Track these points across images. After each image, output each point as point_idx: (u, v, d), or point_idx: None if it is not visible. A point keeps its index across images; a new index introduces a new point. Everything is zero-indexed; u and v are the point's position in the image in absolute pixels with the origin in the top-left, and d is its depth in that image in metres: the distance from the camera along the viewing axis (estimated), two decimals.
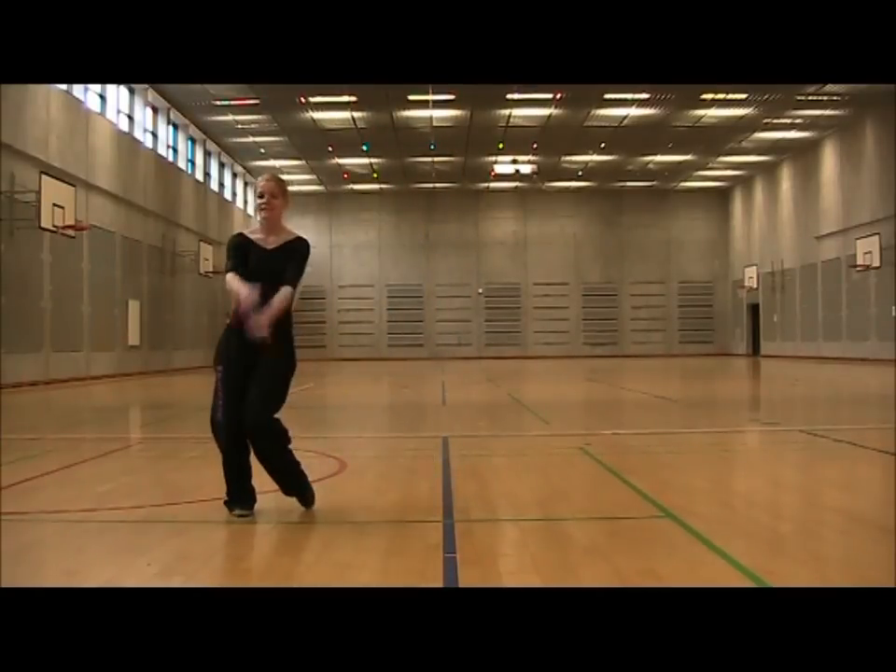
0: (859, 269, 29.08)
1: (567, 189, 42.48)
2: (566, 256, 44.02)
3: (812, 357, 33.03)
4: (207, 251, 30.91)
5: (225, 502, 4.70)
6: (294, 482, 4.77)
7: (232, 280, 4.58)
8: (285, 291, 4.55)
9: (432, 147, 33.55)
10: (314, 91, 26.60)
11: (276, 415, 4.63)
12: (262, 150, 34.53)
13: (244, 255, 4.71)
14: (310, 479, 5.51)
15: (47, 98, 20.19)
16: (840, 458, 7.05)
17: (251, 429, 4.55)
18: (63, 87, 21.11)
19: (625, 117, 29.96)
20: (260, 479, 4.71)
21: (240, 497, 4.68)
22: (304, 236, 4.91)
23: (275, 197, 4.74)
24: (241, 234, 4.84)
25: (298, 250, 4.76)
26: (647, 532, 4.21)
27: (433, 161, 36.74)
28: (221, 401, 4.64)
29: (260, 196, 4.74)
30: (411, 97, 27.31)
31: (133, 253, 25.61)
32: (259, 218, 4.82)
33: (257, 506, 4.69)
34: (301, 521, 4.69)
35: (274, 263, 4.64)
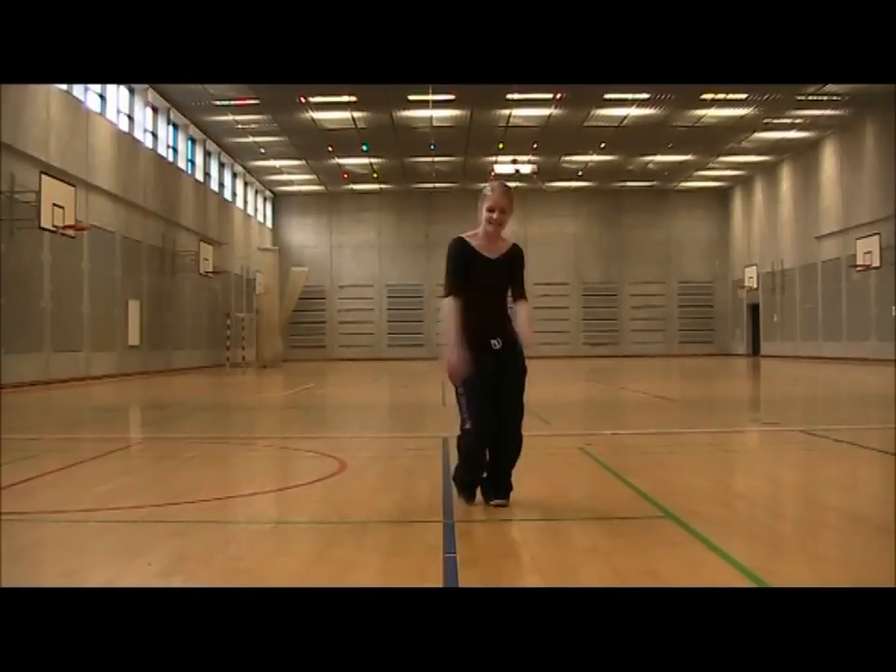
0: (859, 269, 29.07)
1: (567, 188, 42.46)
2: (566, 256, 44.01)
3: (812, 357, 33.02)
4: (207, 251, 30.89)
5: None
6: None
7: (450, 317, 4.73)
8: (527, 308, 4.87)
9: (432, 147, 33.55)
10: (314, 90, 26.59)
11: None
12: (262, 150, 34.53)
13: (465, 269, 4.77)
14: (310, 479, 5.53)
15: (47, 98, 20.19)
16: (840, 458, 7.05)
17: (518, 431, 4.82)
18: (63, 87, 21.11)
19: (625, 117, 29.95)
20: (259, 480, 4.69)
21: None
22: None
23: (505, 212, 4.77)
24: (463, 242, 4.83)
25: (519, 258, 4.89)
26: (647, 532, 4.21)
27: (433, 161, 36.73)
28: (471, 414, 4.74)
29: (490, 210, 4.74)
30: (411, 97, 27.30)
31: (133, 253, 25.60)
32: (483, 229, 4.79)
33: (252, 511, 4.65)
34: (300, 521, 4.69)
35: (500, 273, 4.79)
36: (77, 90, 22.07)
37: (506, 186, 4.89)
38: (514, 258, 4.87)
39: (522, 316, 4.86)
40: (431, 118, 29.92)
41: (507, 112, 29.45)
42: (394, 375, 25.23)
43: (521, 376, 4.86)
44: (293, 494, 5.58)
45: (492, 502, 4.81)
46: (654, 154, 35.79)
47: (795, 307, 35.74)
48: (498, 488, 4.86)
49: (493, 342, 4.76)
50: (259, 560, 3.83)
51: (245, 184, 39.28)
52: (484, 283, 4.76)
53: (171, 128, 29.33)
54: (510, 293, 4.92)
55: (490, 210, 4.74)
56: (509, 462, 4.88)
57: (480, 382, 4.72)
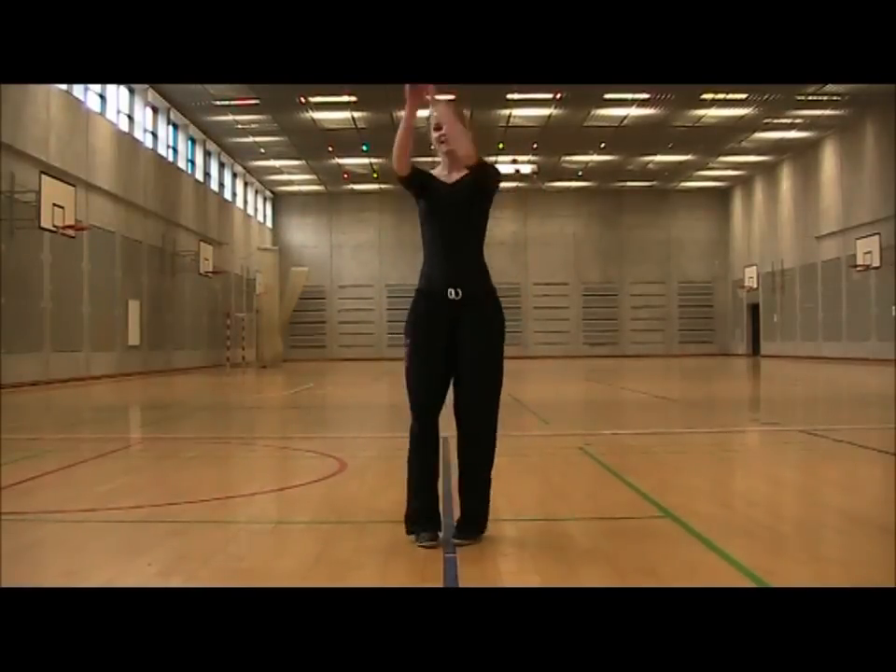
0: (859, 269, 29.06)
1: (567, 188, 42.47)
2: (566, 256, 44.02)
3: (812, 357, 33.02)
4: (207, 251, 30.88)
5: (408, 527, 3.96)
6: (484, 507, 4.01)
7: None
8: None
9: (432, 147, 33.53)
10: (314, 91, 26.59)
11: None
12: (262, 150, 34.52)
13: (419, 181, 4.10)
14: (310, 479, 5.47)
15: (47, 98, 20.19)
16: (840, 458, 7.05)
17: (483, 419, 3.93)
18: (63, 87, 21.11)
19: (625, 117, 29.95)
20: (259, 480, 4.68)
21: (426, 517, 3.92)
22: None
23: (453, 124, 4.05)
24: (423, 171, 4.20)
25: (487, 173, 4.05)
26: (647, 532, 4.21)
27: (433, 161, 36.71)
28: (409, 384, 3.94)
29: (436, 128, 4.07)
30: None
31: (133, 253, 25.60)
32: (440, 154, 4.12)
33: (252, 511, 4.63)
34: (300, 521, 4.69)
35: (460, 199, 3.96)
36: (77, 90, 22.07)
37: (448, 100, 4.15)
38: (483, 176, 4.02)
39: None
40: (431, 118, 29.89)
41: (507, 112, 29.45)
42: (394, 375, 25.20)
43: (485, 336, 3.91)
44: (293, 494, 5.58)
45: (453, 540, 3.89)
46: (654, 154, 35.78)
47: (795, 307, 35.74)
48: (462, 518, 3.98)
49: (450, 290, 3.90)
50: (258, 560, 3.83)
51: (245, 184, 39.27)
52: (442, 211, 3.98)
53: (171, 128, 29.33)
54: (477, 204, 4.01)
55: (436, 129, 4.07)
56: (469, 471, 3.97)
57: (424, 343, 3.89)
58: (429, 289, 3.96)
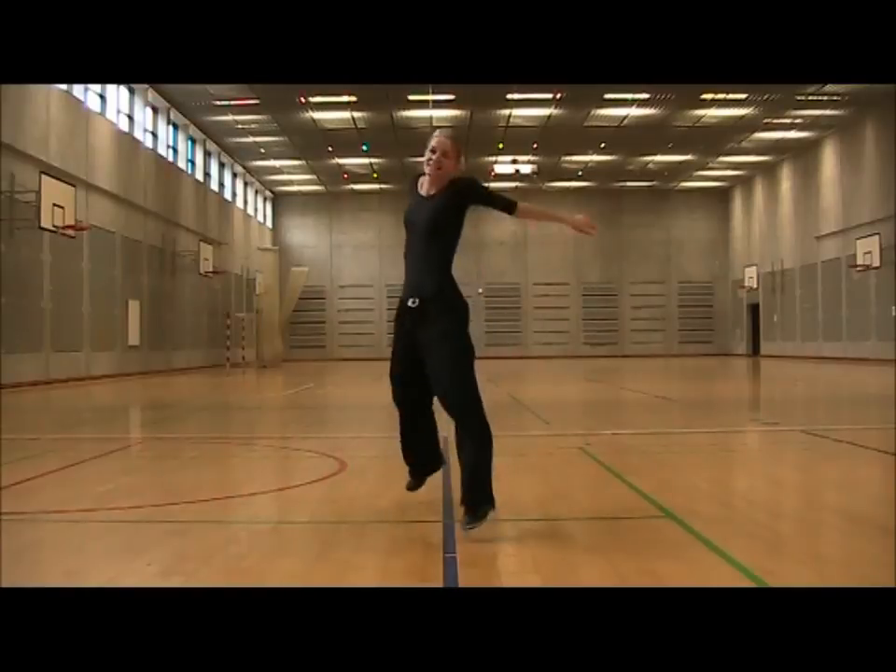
0: (859, 269, 29.07)
1: (567, 188, 42.45)
2: (566, 256, 44.01)
3: (812, 357, 33.02)
4: (207, 251, 30.90)
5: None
6: (475, 491, 4.18)
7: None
8: (524, 206, 4.47)
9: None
10: (314, 90, 26.59)
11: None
12: (262, 150, 34.52)
13: (408, 188, 4.47)
14: (310, 479, 5.47)
15: (47, 98, 20.19)
16: (840, 458, 7.05)
17: (460, 420, 4.33)
18: (63, 87, 21.11)
19: (625, 117, 29.95)
20: (259, 480, 4.64)
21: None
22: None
23: (447, 157, 4.24)
24: (415, 177, 4.46)
25: (465, 188, 4.29)
26: (647, 532, 4.21)
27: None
28: (391, 376, 4.49)
29: (432, 151, 4.25)
30: (411, 97, 27.30)
31: (133, 253, 25.60)
32: (425, 169, 4.33)
33: (252, 511, 4.60)
34: (300, 521, 4.69)
35: (429, 212, 4.23)
36: (77, 90, 22.06)
37: (453, 134, 4.42)
38: (457, 191, 4.26)
39: (538, 211, 4.76)
40: (431, 118, 29.91)
41: (507, 112, 29.45)
42: None
43: (440, 346, 4.15)
44: (293, 494, 5.58)
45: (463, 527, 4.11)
46: (654, 154, 35.78)
47: (795, 307, 35.74)
48: (462, 501, 4.18)
49: (410, 299, 4.24)
50: (259, 560, 3.83)
51: (245, 184, 39.27)
52: (413, 223, 4.28)
53: (171, 128, 29.32)
54: (503, 211, 4.39)
55: (432, 151, 4.24)
56: (461, 464, 4.24)
57: (394, 342, 4.41)
58: (402, 297, 4.33)
